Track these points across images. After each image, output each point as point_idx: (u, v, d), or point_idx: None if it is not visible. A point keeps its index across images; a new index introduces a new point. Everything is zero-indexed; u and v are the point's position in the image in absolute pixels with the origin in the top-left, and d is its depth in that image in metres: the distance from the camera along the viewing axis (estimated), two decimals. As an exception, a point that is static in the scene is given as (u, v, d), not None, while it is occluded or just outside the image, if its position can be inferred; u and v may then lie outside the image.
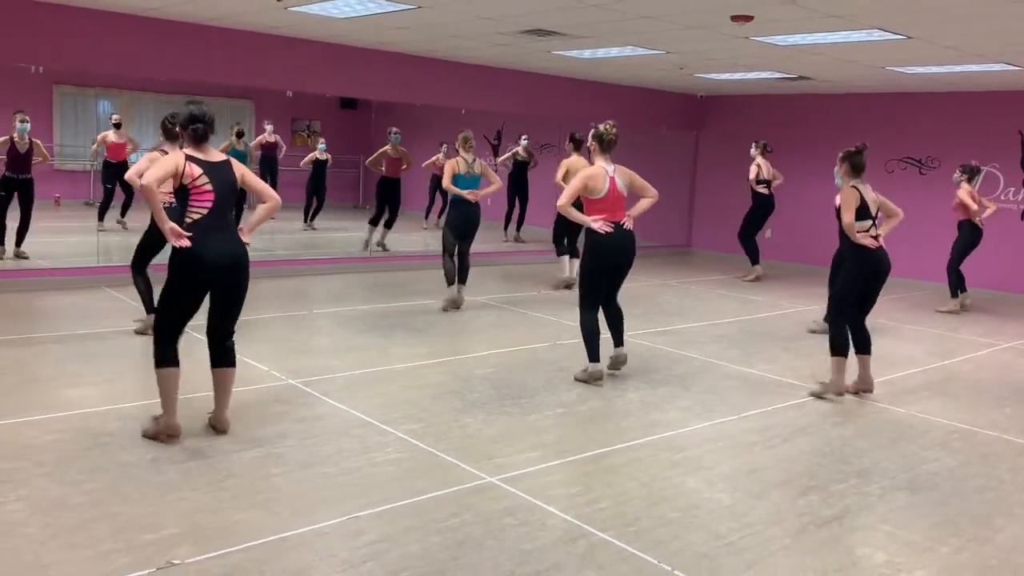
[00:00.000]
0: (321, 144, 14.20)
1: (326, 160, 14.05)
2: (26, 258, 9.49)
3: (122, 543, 3.31)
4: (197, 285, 4.40)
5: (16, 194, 9.40)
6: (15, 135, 9.31)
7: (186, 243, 4.26)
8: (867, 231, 5.84)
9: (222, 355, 4.58)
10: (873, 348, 6.06)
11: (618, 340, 6.24)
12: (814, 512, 3.99)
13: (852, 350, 6.01)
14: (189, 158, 4.33)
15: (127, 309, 7.68)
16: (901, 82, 10.75)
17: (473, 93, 11.61)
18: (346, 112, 18.07)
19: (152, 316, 6.59)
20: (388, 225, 12.11)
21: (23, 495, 3.71)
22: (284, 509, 3.71)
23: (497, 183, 8.50)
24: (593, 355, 5.98)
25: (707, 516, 3.87)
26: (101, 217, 11.71)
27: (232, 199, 4.50)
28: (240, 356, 6.14)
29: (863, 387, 6.05)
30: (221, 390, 4.59)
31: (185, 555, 3.23)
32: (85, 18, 8.41)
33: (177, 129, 4.53)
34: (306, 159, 14.09)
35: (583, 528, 3.67)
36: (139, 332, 6.65)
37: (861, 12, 6.66)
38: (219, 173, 4.39)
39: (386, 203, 12.02)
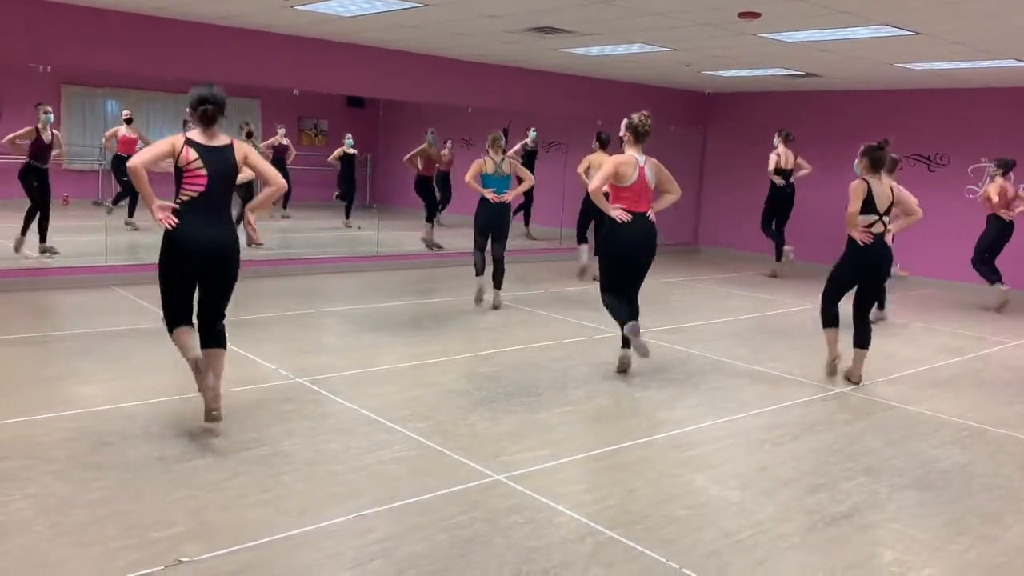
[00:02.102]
0: (348, 139, 14.32)
1: (354, 155, 14.19)
2: (56, 253, 9.54)
3: (131, 541, 3.31)
4: (183, 266, 4.41)
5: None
6: (40, 125, 9.40)
7: (172, 221, 4.29)
8: (869, 226, 5.90)
9: (210, 336, 4.59)
10: (883, 345, 6.07)
11: (627, 342, 6.17)
12: (823, 510, 3.97)
13: (851, 342, 6.18)
14: (188, 142, 4.33)
15: (135, 307, 7.71)
16: (909, 78, 10.70)
17: (479, 91, 11.61)
18: (353, 110, 18.06)
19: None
20: (428, 220, 12.42)
21: (31, 493, 3.72)
22: (292, 507, 3.71)
23: (529, 179, 8.75)
24: (621, 318, 6.01)
25: (716, 514, 3.86)
26: (131, 212, 12.05)
27: (229, 184, 4.48)
28: (247, 354, 6.18)
29: (851, 377, 6.19)
30: (210, 370, 4.55)
31: (194, 552, 3.24)
32: (93, 17, 8.43)
33: (187, 110, 4.45)
34: (333, 155, 14.21)
35: (591, 526, 3.66)
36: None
37: (869, 8, 6.63)
38: (217, 156, 4.37)
39: (424, 199, 12.38)
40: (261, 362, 6.02)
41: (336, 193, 14.48)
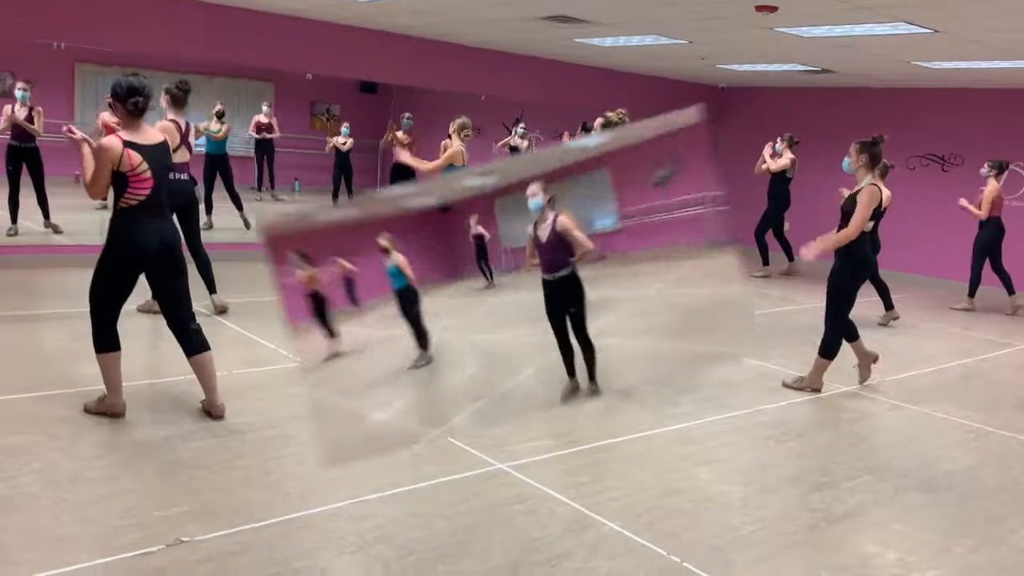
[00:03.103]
0: (344, 129, 14.30)
1: (340, 145, 14.17)
2: (60, 232, 9.53)
3: (133, 519, 3.33)
4: (129, 270, 4.33)
5: (25, 166, 9.32)
6: (17, 103, 9.23)
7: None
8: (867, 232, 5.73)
9: (191, 341, 4.47)
10: (891, 345, 6.03)
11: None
12: (826, 508, 3.95)
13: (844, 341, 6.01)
14: (128, 144, 4.10)
15: (143, 286, 7.69)
16: (926, 77, 10.61)
17: (493, 79, 11.56)
18: (366, 96, 18.02)
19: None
20: None
21: (37, 468, 3.73)
22: (294, 490, 3.72)
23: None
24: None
25: (718, 509, 3.85)
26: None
27: (166, 180, 4.37)
28: (253, 336, 6.19)
29: (870, 359, 6.06)
30: (204, 377, 4.48)
31: (195, 533, 3.25)
32: (108, -4, 8.43)
33: (111, 101, 4.27)
34: (329, 145, 14.20)
35: (593, 518, 3.65)
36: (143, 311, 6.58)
37: (887, 4, 6.57)
38: (156, 154, 4.22)
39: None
40: (266, 344, 6.03)
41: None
